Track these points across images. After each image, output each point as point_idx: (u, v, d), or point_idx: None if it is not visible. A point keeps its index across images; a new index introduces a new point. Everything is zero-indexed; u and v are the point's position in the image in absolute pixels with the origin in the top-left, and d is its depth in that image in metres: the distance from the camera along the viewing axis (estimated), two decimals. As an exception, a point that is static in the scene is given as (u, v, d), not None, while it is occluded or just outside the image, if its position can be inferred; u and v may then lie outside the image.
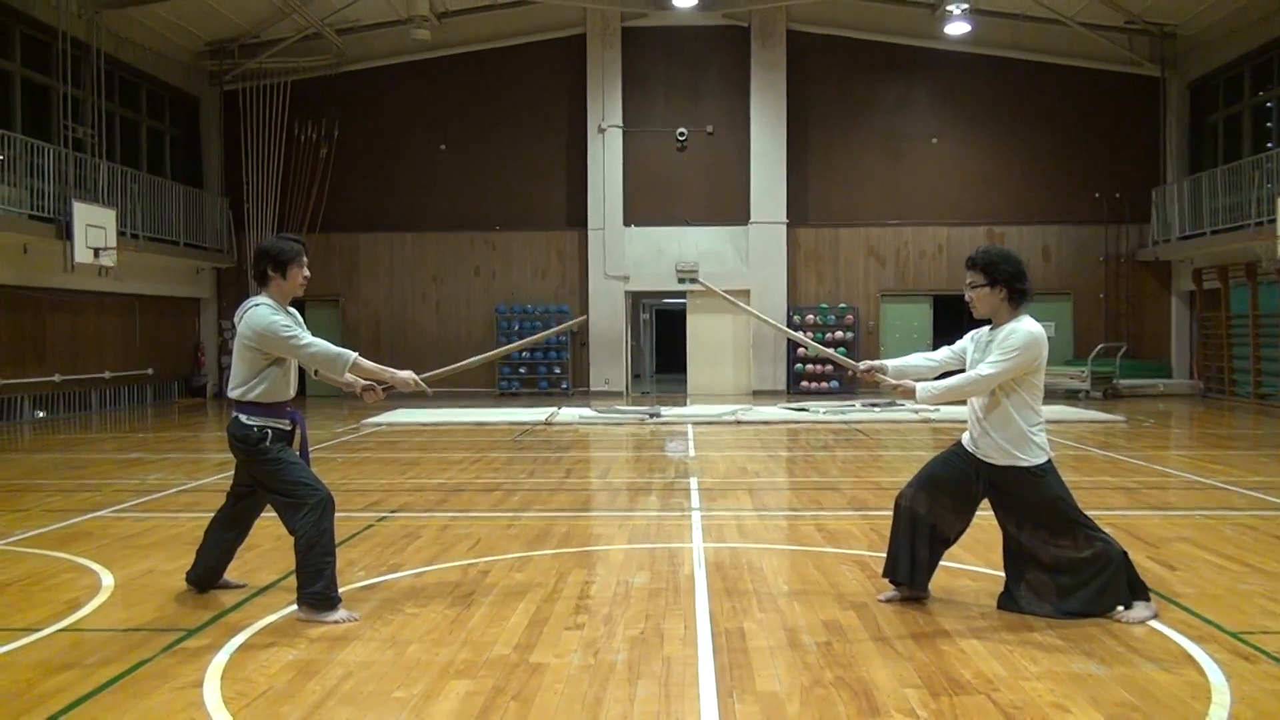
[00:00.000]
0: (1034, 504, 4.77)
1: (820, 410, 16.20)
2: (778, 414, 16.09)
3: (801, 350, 21.46)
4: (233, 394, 5.07)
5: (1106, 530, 4.99)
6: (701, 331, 22.47)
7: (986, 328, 5.03)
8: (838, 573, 5.72)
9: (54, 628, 4.77)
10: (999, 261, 4.84)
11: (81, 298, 17.88)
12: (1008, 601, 4.93)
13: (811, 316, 21.76)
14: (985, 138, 22.31)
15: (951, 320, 23.16)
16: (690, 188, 22.29)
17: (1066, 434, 13.38)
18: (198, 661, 4.28)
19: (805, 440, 13.05)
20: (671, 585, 5.51)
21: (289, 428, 5.11)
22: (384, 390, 5.32)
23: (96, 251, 16.52)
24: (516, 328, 22.16)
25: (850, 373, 5.34)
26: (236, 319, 5.09)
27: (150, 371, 20.15)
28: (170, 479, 9.71)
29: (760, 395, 20.93)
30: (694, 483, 9.23)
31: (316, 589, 4.86)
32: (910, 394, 4.88)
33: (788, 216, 21.92)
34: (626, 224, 22.16)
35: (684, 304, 22.87)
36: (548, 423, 15.32)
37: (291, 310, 5.16)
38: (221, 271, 22.65)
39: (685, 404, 18.67)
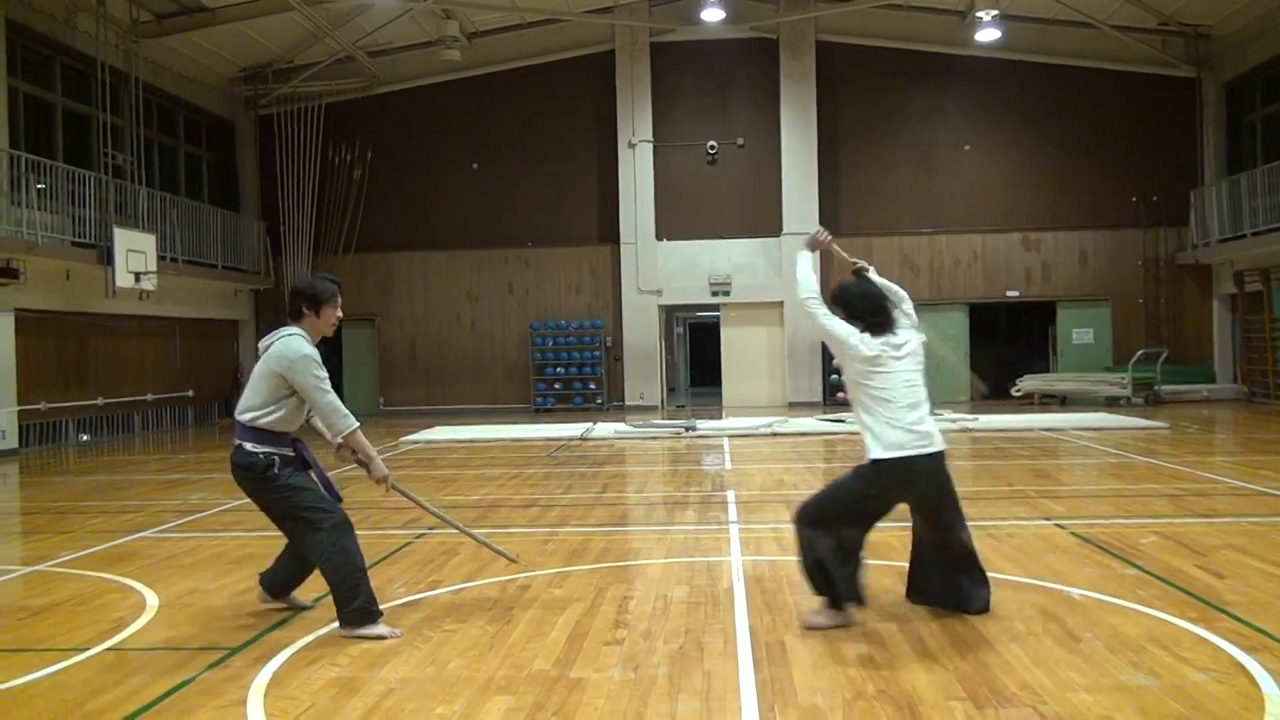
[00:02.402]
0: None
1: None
2: (814, 426, 16.01)
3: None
4: (242, 418, 5.04)
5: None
6: (736, 344, 22.43)
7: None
8: (877, 585, 5.67)
9: (101, 647, 4.83)
10: (854, 300, 5.25)
11: (123, 322, 18.16)
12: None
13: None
14: (1018, 144, 22.15)
15: (988, 328, 23.05)
16: (722, 201, 22.29)
17: (1106, 441, 13.20)
18: (241, 680, 4.31)
19: (842, 452, 12.96)
20: (710, 599, 5.49)
21: (292, 454, 5.10)
22: (354, 460, 5.22)
23: (137, 276, 16.78)
24: (551, 343, 22.25)
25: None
26: (264, 345, 5.09)
27: (190, 393, 20.41)
28: (211, 499, 9.81)
29: (796, 407, 20.84)
30: (731, 496, 9.19)
31: (356, 605, 4.89)
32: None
33: (820, 227, 21.80)
34: (659, 238, 22.19)
35: (718, 317, 22.85)
36: (583, 438, 15.34)
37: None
38: (259, 293, 22.92)
39: (721, 417, 18.62)
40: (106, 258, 16.39)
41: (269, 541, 7.50)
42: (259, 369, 5.06)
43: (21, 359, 15.49)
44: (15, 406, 15.33)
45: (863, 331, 5.05)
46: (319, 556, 4.93)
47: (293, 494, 4.98)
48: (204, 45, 20.43)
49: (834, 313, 5.20)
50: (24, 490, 11.83)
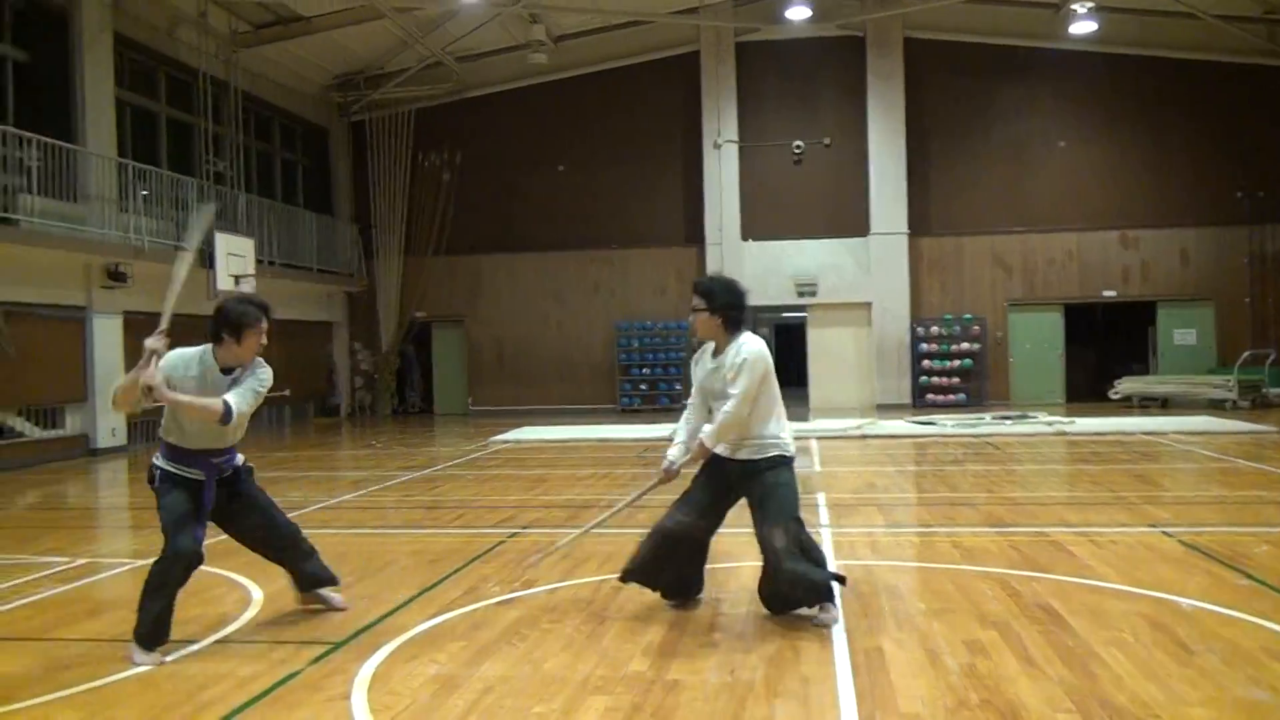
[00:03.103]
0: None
1: (948, 424, 15.81)
2: (904, 428, 15.78)
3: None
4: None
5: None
6: (822, 345, 22.21)
7: (706, 351, 5.31)
8: (977, 591, 5.56)
9: (208, 640, 4.98)
10: (719, 291, 5.13)
11: (223, 324, 18.66)
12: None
13: (936, 328, 21.29)
14: (1115, 139, 21.52)
15: (1084, 328, 22.44)
16: (807, 201, 22.10)
17: (1210, 445, 12.76)
18: (344, 674, 4.40)
19: (934, 455, 12.74)
20: (805, 603, 5.44)
21: (198, 475, 4.95)
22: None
23: (237, 279, 17.28)
24: (636, 344, 22.31)
25: (655, 485, 5.75)
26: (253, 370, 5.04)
27: (287, 393, 20.89)
28: (310, 497, 10.06)
29: (885, 409, 20.54)
30: (821, 499, 9.10)
31: (136, 624, 4.70)
32: (704, 452, 5.27)
33: (909, 226, 21.53)
34: (744, 239, 22.10)
35: (804, 317, 22.66)
36: (671, 438, 15.30)
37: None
38: (352, 296, 23.42)
39: (807, 419, 18.46)
40: (208, 261, 16.92)
41: (368, 539, 7.68)
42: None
43: (129, 360, 16.05)
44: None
45: (720, 327, 5.18)
46: (148, 576, 4.78)
47: (162, 510, 4.85)
48: (299, 54, 20.95)
49: (727, 314, 5.13)
50: (132, 486, 12.28)
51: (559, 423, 19.10)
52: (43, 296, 14.60)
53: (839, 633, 4.84)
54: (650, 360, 22.28)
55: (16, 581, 5.52)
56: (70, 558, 7.22)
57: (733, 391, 5.02)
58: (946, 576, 5.95)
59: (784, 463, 5.13)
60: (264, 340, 5.03)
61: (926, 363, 21.25)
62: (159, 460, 4.97)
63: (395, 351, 23.30)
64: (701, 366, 5.31)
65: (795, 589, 5.00)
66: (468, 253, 22.99)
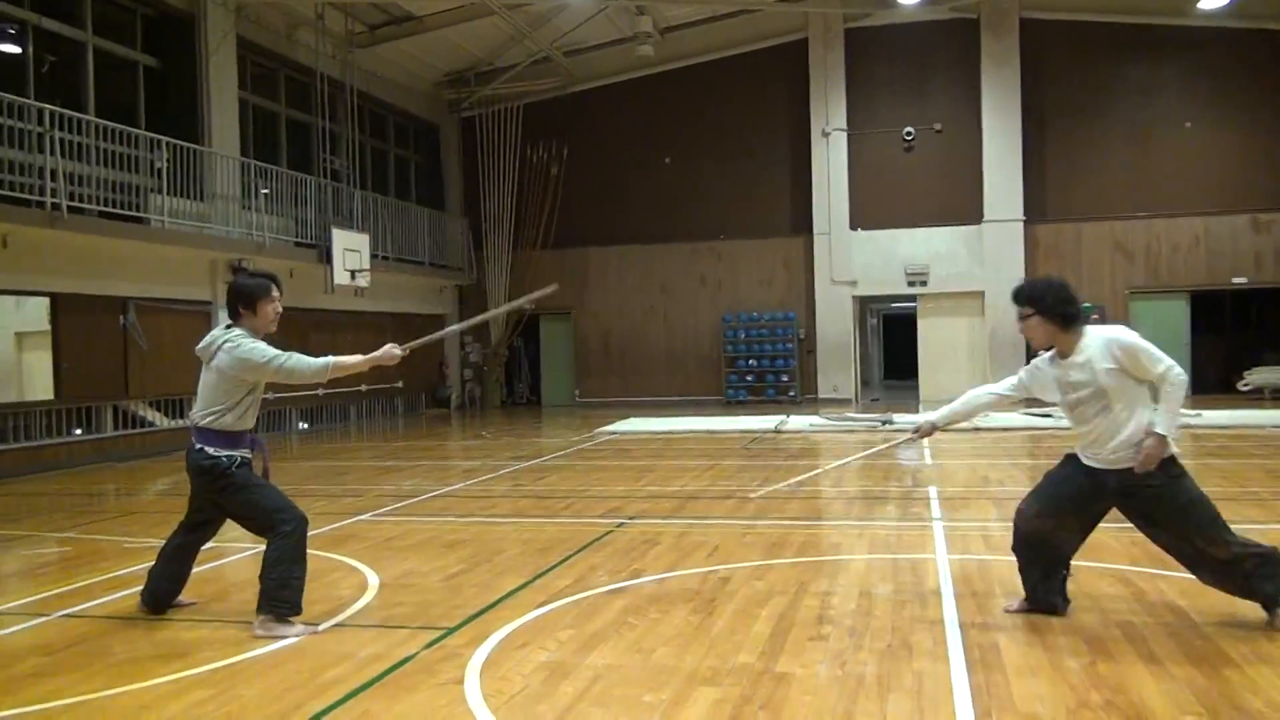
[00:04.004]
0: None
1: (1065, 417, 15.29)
2: (1019, 420, 15.33)
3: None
4: (199, 422, 5.11)
5: None
6: (933, 335, 21.76)
7: (1045, 358, 4.89)
8: (1097, 588, 5.37)
9: (329, 623, 5.13)
10: (1044, 293, 4.74)
11: (339, 317, 19.28)
12: None
13: (1053, 317, 20.62)
14: (1246, 119, 20.49)
15: (1212, 318, 21.47)
16: (919, 188, 21.66)
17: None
18: (457, 659, 4.49)
19: (1050, 448, 12.34)
20: (917, 597, 5.34)
21: (250, 453, 5.19)
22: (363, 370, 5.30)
23: (353, 273, 17.78)
24: (743, 335, 22.20)
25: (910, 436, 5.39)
26: (204, 351, 5.15)
27: (400, 385, 21.47)
28: (423, 485, 10.29)
29: (998, 401, 19.99)
30: (933, 492, 8.92)
31: (282, 597, 4.93)
32: (1154, 446, 4.49)
33: (1025, 213, 20.92)
34: (853, 228, 21.79)
35: (914, 308, 22.23)
36: (777, 430, 15.23)
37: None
38: (463, 289, 23.88)
39: (918, 411, 18.11)
40: (325, 256, 17.45)
41: (479, 527, 7.82)
42: (210, 376, 5.11)
43: (252, 352, 16.65)
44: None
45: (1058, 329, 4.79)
46: (274, 550, 4.96)
47: (255, 494, 5.07)
48: (411, 52, 21.41)
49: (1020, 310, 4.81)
50: (255, 474, 12.71)
51: (665, 414, 19.14)
52: (171, 291, 15.26)
53: (953, 628, 4.73)
54: (757, 352, 22.14)
55: (148, 564, 5.77)
56: (199, 542, 7.52)
57: (1158, 370, 4.51)
58: (1065, 573, 5.76)
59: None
60: (279, 309, 5.28)
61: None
62: (220, 449, 5.07)
63: (504, 344, 23.66)
64: (1043, 376, 4.90)
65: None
66: (575, 245, 23.19)
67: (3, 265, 12.47)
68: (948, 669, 4.20)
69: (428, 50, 21.58)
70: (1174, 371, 4.51)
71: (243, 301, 5.20)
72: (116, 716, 3.94)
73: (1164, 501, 4.54)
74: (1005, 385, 5.11)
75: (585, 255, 23.39)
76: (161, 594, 5.39)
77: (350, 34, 19.52)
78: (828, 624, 4.89)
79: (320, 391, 18.70)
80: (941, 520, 7.56)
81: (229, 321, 5.24)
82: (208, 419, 5.12)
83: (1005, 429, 14.52)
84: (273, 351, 5.10)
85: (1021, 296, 4.80)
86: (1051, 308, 4.68)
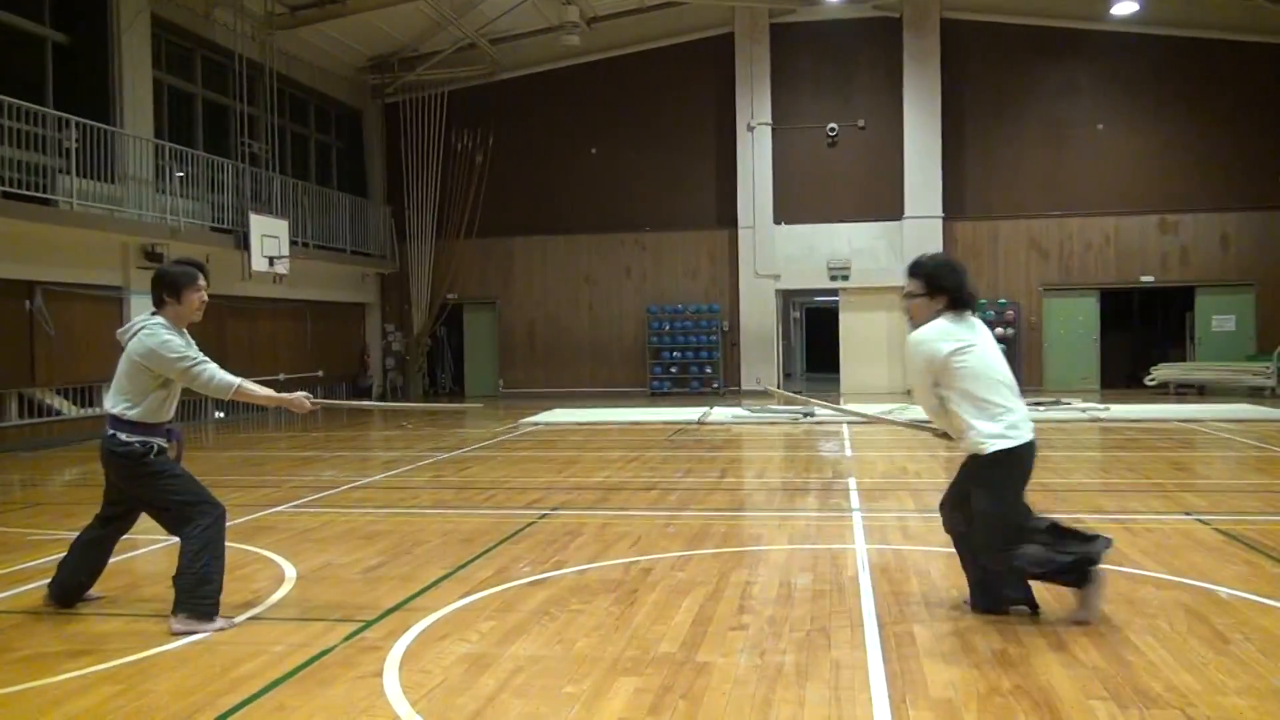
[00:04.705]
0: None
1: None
2: (936, 413, 15.64)
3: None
4: (114, 410, 4.97)
5: None
6: (854, 329, 22.10)
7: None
8: (1010, 577, 5.50)
9: (244, 616, 5.03)
10: (937, 272, 4.81)
11: (258, 304, 18.88)
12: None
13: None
14: (1156, 122, 21.18)
15: (1120, 314, 22.18)
16: (842, 184, 21.95)
17: (1250, 433, 12.58)
18: (376, 652, 4.44)
19: (966, 440, 12.63)
20: (835, 587, 5.43)
21: (166, 443, 5.07)
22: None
23: (271, 260, 17.42)
24: (667, 327, 22.29)
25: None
26: (124, 335, 5.02)
27: (320, 373, 21.05)
28: (342, 476, 10.14)
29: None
30: (853, 483, 9.07)
31: (203, 593, 4.81)
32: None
33: (944, 210, 21.34)
34: (777, 222, 22.00)
35: (836, 301, 22.54)
36: (700, 422, 15.33)
37: (184, 333, 5.08)
38: (385, 277, 23.56)
39: (839, 403, 18.39)
40: (243, 242, 17.06)
41: (399, 519, 7.73)
42: (123, 363, 4.97)
43: (165, 339, 16.22)
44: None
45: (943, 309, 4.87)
46: (189, 540, 4.86)
47: (172, 483, 4.95)
48: (334, 36, 21.02)
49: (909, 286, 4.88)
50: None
51: (589, 405, 19.13)
52: (81, 276, 14.79)
53: (870, 618, 4.82)
54: (682, 344, 22.25)
55: (56, 557, 5.60)
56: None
57: None
58: (979, 562, 5.90)
59: None
60: (204, 298, 5.14)
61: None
62: (136, 435, 4.92)
63: (427, 333, 23.41)
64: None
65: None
66: (500, 235, 23.03)
67: (-100, 246, 11.97)
68: (864, 656, 4.27)
69: (350, 34, 21.21)
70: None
71: (167, 289, 5.04)
72: (19, 714, 3.81)
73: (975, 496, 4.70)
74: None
75: (510, 245, 23.24)
76: (72, 587, 5.21)
77: (270, 15, 19.07)
78: (748, 614, 4.94)
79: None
80: (860, 511, 7.69)
81: (154, 309, 5.07)
82: (119, 407, 4.96)
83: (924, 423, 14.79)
84: (188, 352, 4.96)
85: (918, 272, 4.86)
86: (945, 290, 4.80)
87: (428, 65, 22.48)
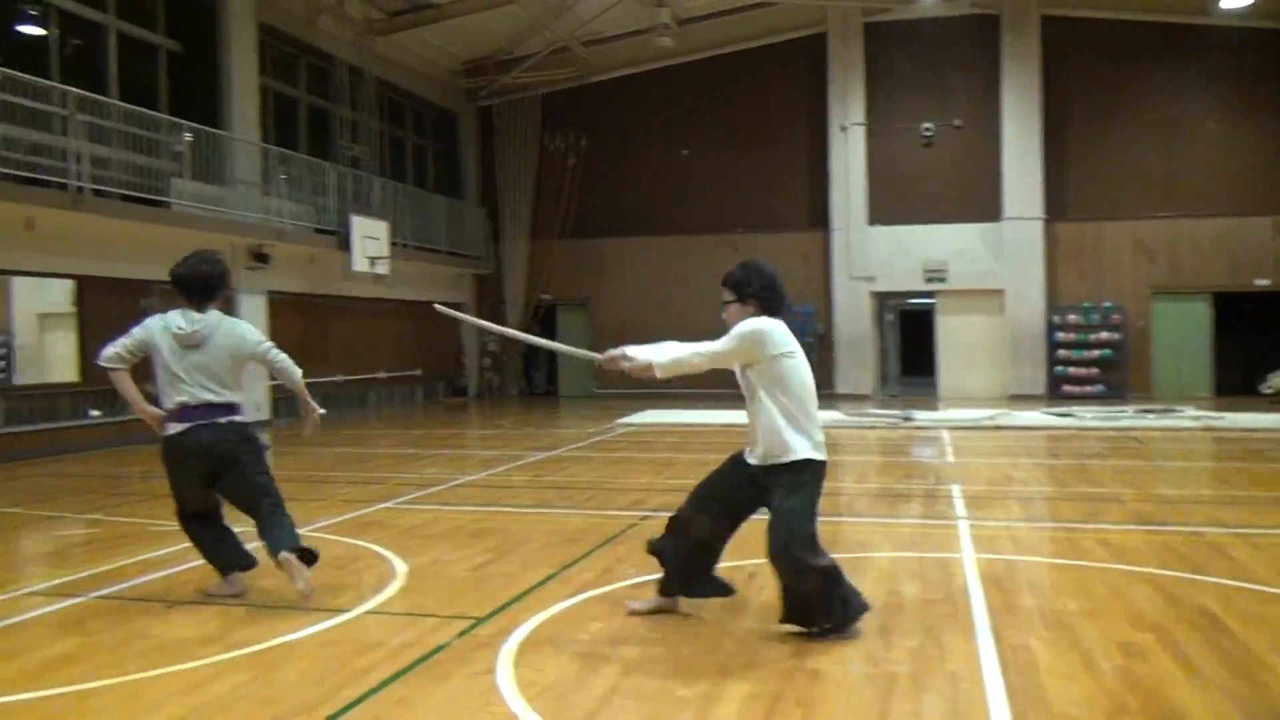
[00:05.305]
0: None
1: (1087, 416, 15.26)
2: (1040, 419, 15.29)
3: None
4: (233, 399, 5.40)
5: None
6: (952, 332, 21.69)
7: None
8: (1129, 591, 5.35)
9: (359, 610, 5.15)
10: (745, 277, 4.82)
11: (358, 304, 19.32)
12: None
13: (1073, 316, 20.57)
14: (1270, 120, 20.32)
15: (1233, 318, 21.33)
16: (937, 184, 21.58)
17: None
18: (489, 649, 4.49)
19: (1073, 448, 12.31)
20: (946, 597, 5.32)
21: None
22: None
23: (372, 261, 17.81)
24: (759, 330, 22.11)
25: (595, 364, 5.17)
26: (207, 332, 5.33)
27: (418, 372, 21.52)
28: (443, 474, 10.31)
29: (1018, 400, 19.96)
30: (957, 489, 8.89)
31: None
32: (646, 369, 4.85)
33: (1045, 211, 20.82)
34: (871, 223, 21.72)
35: (932, 304, 22.17)
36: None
37: None
38: (480, 278, 23.89)
39: (937, 408, 18.07)
40: (344, 243, 17.47)
41: (503, 517, 7.83)
42: (222, 357, 5.33)
43: (272, 337, 16.66)
44: (267, 381, 16.57)
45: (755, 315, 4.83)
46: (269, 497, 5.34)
47: (262, 463, 5.46)
48: (431, 40, 21.38)
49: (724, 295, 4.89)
50: (276, 460, 12.74)
51: (682, 407, 19.13)
52: (192, 276, 15.26)
53: (984, 630, 4.71)
54: (773, 346, 22.04)
55: (181, 546, 5.82)
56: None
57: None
58: (1095, 575, 5.73)
59: None
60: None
61: (1063, 352, 20.57)
62: (244, 419, 5.51)
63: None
64: None
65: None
66: (592, 236, 23.18)
67: (29, 247, 12.52)
68: (980, 669, 4.18)
69: (447, 38, 21.55)
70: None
71: (228, 284, 5.65)
72: (156, 698, 3.95)
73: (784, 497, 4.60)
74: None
75: (602, 246, 23.37)
76: (233, 554, 5.55)
77: (370, 21, 19.50)
78: (857, 622, 4.87)
79: (340, 378, 18.77)
80: (966, 519, 7.54)
81: (207, 305, 5.47)
82: (235, 397, 5.44)
83: (1026, 428, 14.48)
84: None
85: (728, 281, 4.88)
86: (753, 295, 4.82)
87: (521, 68, 22.73)
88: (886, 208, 21.70)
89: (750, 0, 21.39)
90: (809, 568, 4.53)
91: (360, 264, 17.59)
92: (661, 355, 4.87)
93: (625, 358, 4.88)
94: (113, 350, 5.33)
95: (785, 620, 4.66)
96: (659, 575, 5.04)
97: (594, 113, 23.21)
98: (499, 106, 23.35)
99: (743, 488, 4.82)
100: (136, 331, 5.38)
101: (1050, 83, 20.83)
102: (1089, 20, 20.86)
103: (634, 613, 5.01)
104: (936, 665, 4.25)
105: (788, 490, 4.64)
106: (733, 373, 5.15)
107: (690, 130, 22.95)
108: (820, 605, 4.56)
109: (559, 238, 23.05)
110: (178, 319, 5.33)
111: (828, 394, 21.71)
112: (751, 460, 4.80)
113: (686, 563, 4.93)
